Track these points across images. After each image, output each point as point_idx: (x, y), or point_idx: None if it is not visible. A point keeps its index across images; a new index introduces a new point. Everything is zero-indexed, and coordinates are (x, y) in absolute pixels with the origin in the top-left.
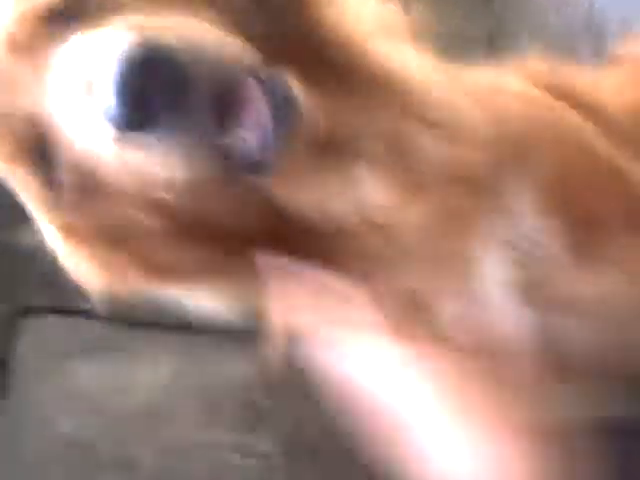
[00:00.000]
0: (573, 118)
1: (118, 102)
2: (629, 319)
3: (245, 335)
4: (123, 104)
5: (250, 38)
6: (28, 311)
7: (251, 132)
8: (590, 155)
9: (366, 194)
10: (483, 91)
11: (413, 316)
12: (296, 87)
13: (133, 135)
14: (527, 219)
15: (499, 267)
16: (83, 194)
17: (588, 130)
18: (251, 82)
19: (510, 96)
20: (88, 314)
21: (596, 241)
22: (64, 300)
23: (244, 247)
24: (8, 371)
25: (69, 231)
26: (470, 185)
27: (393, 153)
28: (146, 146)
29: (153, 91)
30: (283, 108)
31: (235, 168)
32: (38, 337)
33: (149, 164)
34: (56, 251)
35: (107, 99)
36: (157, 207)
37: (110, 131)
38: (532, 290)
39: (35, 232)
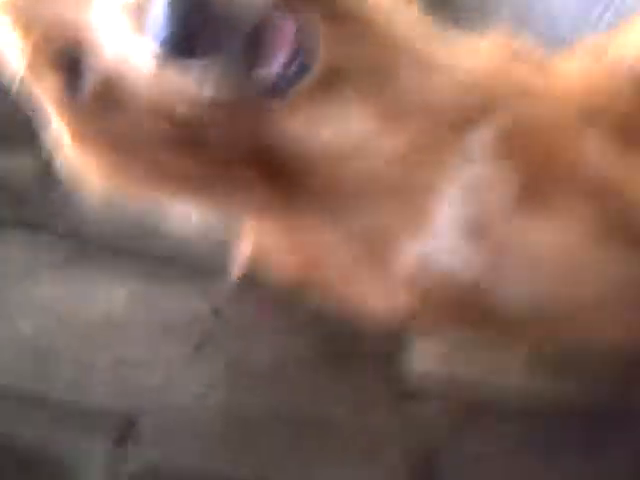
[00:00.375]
0: (537, 83)
1: (167, 26)
2: (567, 275)
3: (199, 265)
4: (171, 29)
5: None
6: None
7: (278, 62)
8: (547, 115)
9: (351, 119)
10: (460, 47)
11: (377, 251)
12: (317, 24)
13: (175, 57)
14: (485, 163)
15: (455, 205)
16: (104, 103)
17: (549, 95)
18: (281, 18)
19: (485, 57)
20: (54, 231)
21: (543, 190)
22: (31, 216)
23: (237, 166)
24: None
25: (82, 135)
26: (442, 122)
27: (375, 83)
28: (183, 67)
29: (197, 22)
30: (307, 43)
31: (257, 91)
32: (3, 250)
33: (181, 83)
34: (63, 155)
35: (157, 21)
36: (173, 120)
37: (154, 50)
38: (482, 231)
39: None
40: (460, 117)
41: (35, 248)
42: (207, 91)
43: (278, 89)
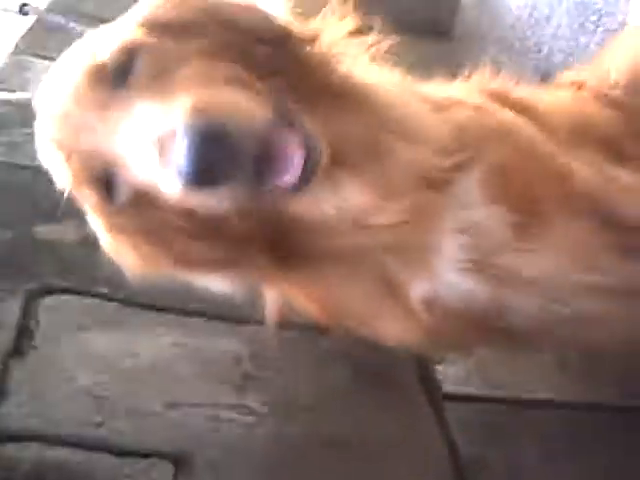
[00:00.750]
0: (516, 120)
1: (187, 165)
2: (567, 293)
3: (234, 317)
4: (191, 168)
5: (263, 75)
6: (50, 291)
7: (286, 172)
8: (530, 151)
9: (349, 198)
10: (444, 102)
11: (390, 296)
12: (313, 129)
13: (195, 188)
14: (477, 208)
15: (456, 250)
16: (136, 207)
17: (528, 130)
18: (283, 135)
19: (465, 106)
20: (101, 295)
21: (536, 223)
22: (79, 282)
23: (251, 248)
24: (32, 337)
25: (118, 230)
26: (434, 185)
27: (371, 161)
28: (203, 194)
29: (213, 158)
30: (309, 149)
31: (270, 198)
32: (58, 312)
33: (202, 200)
34: (104, 245)
35: (178, 160)
36: (192, 216)
37: (177, 182)
38: (483, 268)
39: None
40: (448, 172)
41: (85, 310)
42: (226, 205)
43: (289, 194)
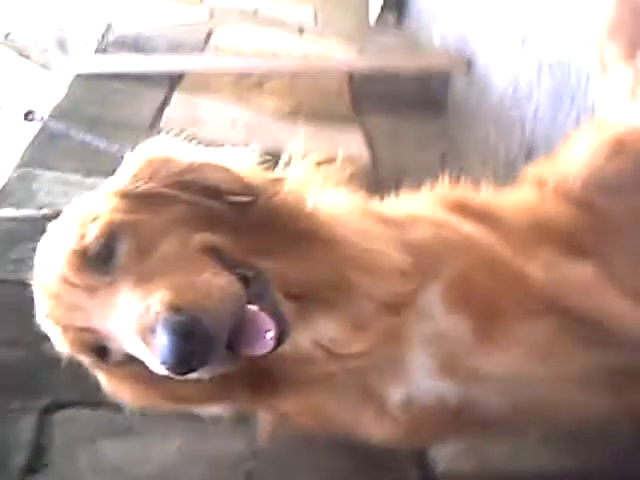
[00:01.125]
0: (474, 233)
1: (168, 358)
2: (530, 385)
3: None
4: (171, 361)
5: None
6: (61, 406)
7: (259, 346)
8: (487, 261)
9: (322, 331)
10: (405, 220)
11: (370, 403)
12: (278, 295)
13: (176, 372)
14: (440, 319)
15: (425, 358)
16: (126, 364)
17: (486, 240)
18: (253, 311)
19: (425, 223)
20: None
21: (496, 327)
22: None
23: (234, 386)
24: (46, 453)
25: (112, 378)
26: (397, 309)
27: (338, 297)
28: (184, 375)
29: (190, 348)
30: (276, 316)
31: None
32: (71, 425)
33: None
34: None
35: (160, 353)
36: None
37: (161, 367)
38: (451, 371)
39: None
40: (409, 296)
41: (96, 421)
42: (205, 377)
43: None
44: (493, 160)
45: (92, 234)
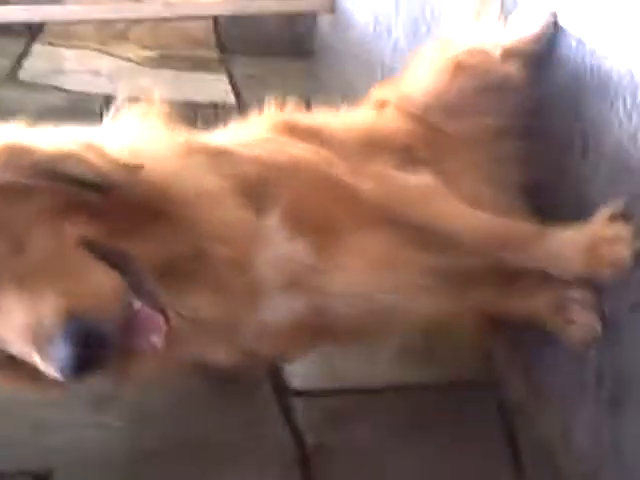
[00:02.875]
0: (302, 153)
1: (68, 365)
2: (376, 296)
3: None
4: (71, 367)
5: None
6: None
7: (150, 340)
8: (318, 180)
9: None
10: (230, 153)
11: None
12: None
13: (73, 378)
14: (282, 245)
15: (274, 282)
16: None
17: (314, 159)
18: (137, 308)
19: (248, 153)
20: None
21: (336, 243)
22: None
23: None
24: None
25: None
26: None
27: (199, 266)
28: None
29: (85, 353)
30: (157, 306)
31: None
32: None
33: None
34: None
35: (57, 361)
36: None
37: (58, 373)
38: (298, 289)
39: None
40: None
41: None
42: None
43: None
44: (354, 98)
45: None
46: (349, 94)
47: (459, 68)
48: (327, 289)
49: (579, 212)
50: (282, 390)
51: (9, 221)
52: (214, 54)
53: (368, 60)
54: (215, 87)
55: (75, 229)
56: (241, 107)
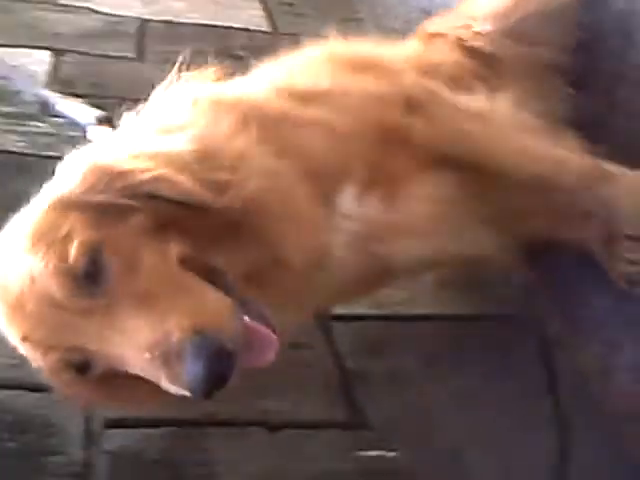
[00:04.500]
0: (363, 104)
1: (201, 381)
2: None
3: None
4: (204, 383)
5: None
6: None
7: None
8: (376, 134)
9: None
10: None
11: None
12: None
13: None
14: (355, 213)
15: (346, 226)
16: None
17: (371, 103)
18: (250, 325)
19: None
20: None
21: (399, 192)
22: None
23: None
24: None
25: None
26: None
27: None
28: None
29: (216, 371)
30: (264, 320)
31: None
32: None
33: None
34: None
35: (190, 378)
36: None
37: (187, 391)
38: (366, 234)
39: None
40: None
41: None
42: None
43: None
44: (391, 29)
45: (75, 255)
46: (384, 24)
47: None
48: (394, 242)
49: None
50: (323, 315)
51: (117, 241)
52: None
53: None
54: (249, 13)
55: (177, 248)
56: (275, 33)
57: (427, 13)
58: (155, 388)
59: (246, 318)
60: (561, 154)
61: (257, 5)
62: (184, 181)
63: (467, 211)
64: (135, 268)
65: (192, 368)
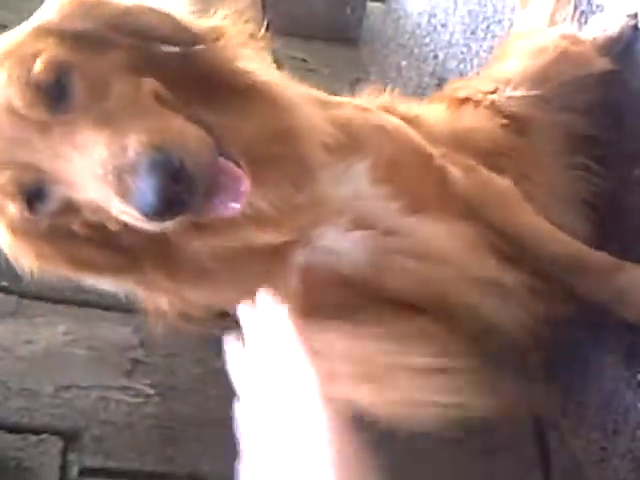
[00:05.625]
0: (400, 122)
1: (152, 200)
2: (441, 276)
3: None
4: (156, 203)
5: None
6: None
7: (232, 201)
8: (412, 150)
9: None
10: (333, 101)
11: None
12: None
13: (151, 220)
14: (364, 186)
15: (347, 223)
16: (54, 216)
17: (411, 132)
18: (223, 164)
19: (352, 107)
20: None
21: (420, 213)
22: None
23: (141, 258)
24: None
25: (23, 234)
26: (322, 179)
27: (284, 150)
28: (155, 222)
29: (174, 190)
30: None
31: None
32: None
33: (152, 226)
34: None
35: (142, 194)
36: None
37: (138, 212)
38: (365, 226)
39: None
40: (337, 167)
41: None
42: (163, 228)
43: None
44: (403, 89)
45: (40, 67)
46: (396, 86)
47: (564, 54)
48: (398, 236)
49: None
50: None
51: (89, 68)
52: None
53: (419, 53)
54: None
55: (152, 84)
56: None
57: (439, 78)
58: (102, 250)
59: (222, 159)
60: (564, 237)
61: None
62: (172, 15)
63: (482, 271)
64: (103, 93)
65: (144, 181)
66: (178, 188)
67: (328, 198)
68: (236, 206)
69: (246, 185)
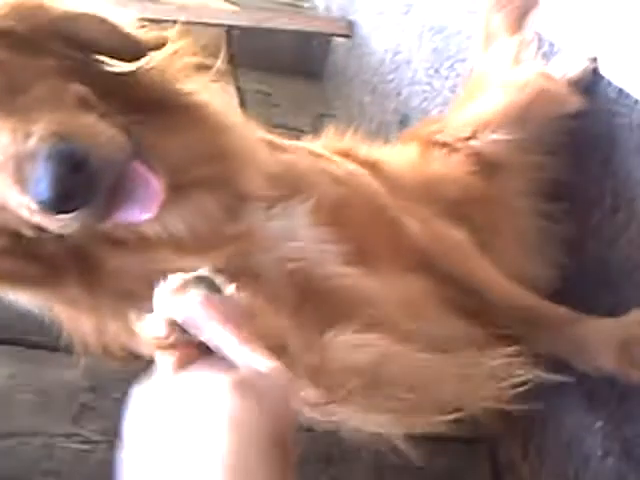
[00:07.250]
0: (356, 170)
1: (48, 191)
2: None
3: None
4: (52, 194)
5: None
6: None
7: (140, 207)
8: (367, 198)
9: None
10: (282, 145)
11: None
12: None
13: (50, 213)
14: (301, 227)
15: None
16: None
17: (368, 180)
18: (137, 168)
19: (305, 152)
20: None
21: (368, 264)
22: None
23: (63, 269)
24: None
25: None
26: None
27: (214, 173)
28: (56, 217)
29: (73, 183)
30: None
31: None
32: None
33: (49, 223)
34: None
35: (38, 184)
36: (13, 235)
37: (33, 203)
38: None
39: None
40: (275, 200)
41: None
42: (67, 230)
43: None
44: (366, 126)
45: None
46: (359, 122)
47: (544, 92)
48: (347, 291)
49: (603, 276)
50: None
51: (14, 65)
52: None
53: (383, 90)
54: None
55: (78, 89)
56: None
57: (402, 115)
58: (17, 259)
59: (136, 162)
60: (518, 290)
61: (232, 91)
62: (115, 23)
63: (432, 325)
64: (22, 90)
65: (41, 168)
66: (76, 180)
67: (259, 231)
68: (145, 215)
69: (159, 194)
